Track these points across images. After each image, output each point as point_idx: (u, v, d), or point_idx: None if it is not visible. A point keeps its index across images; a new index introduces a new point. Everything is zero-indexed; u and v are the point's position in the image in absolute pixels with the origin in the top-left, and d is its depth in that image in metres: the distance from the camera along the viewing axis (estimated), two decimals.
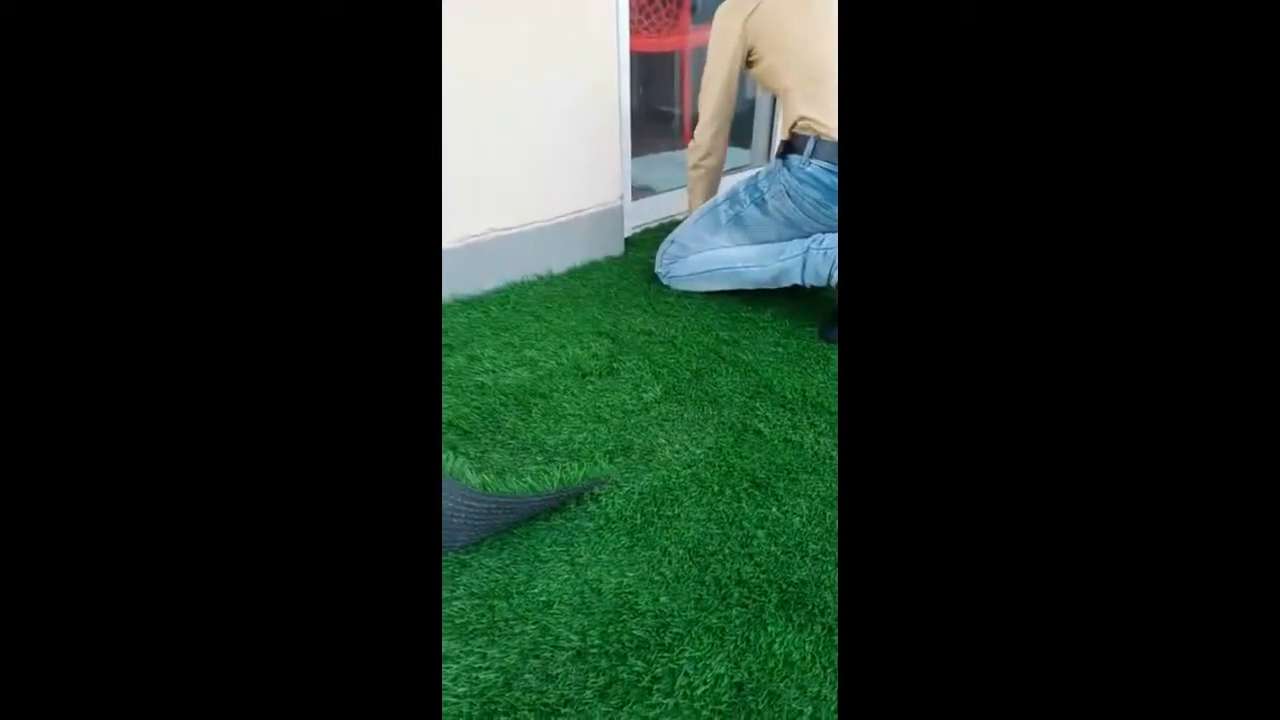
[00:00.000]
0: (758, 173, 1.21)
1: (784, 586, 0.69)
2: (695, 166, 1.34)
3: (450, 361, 1.06)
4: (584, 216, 1.41)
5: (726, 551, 0.73)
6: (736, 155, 1.55)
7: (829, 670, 0.60)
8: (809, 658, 0.61)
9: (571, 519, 0.77)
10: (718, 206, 1.22)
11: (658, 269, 1.31)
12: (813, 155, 1.10)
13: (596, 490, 0.80)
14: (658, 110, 2.13)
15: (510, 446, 0.88)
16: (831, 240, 1.12)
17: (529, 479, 0.78)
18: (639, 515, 0.78)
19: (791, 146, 1.14)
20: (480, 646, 0.62)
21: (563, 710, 0.57)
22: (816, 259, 1.12)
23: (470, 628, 0.64)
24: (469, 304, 1.24)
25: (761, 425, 0.93)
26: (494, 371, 1.04)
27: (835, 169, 1.08)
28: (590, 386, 1.01)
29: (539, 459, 0.86)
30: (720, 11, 1.19)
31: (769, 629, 0.64)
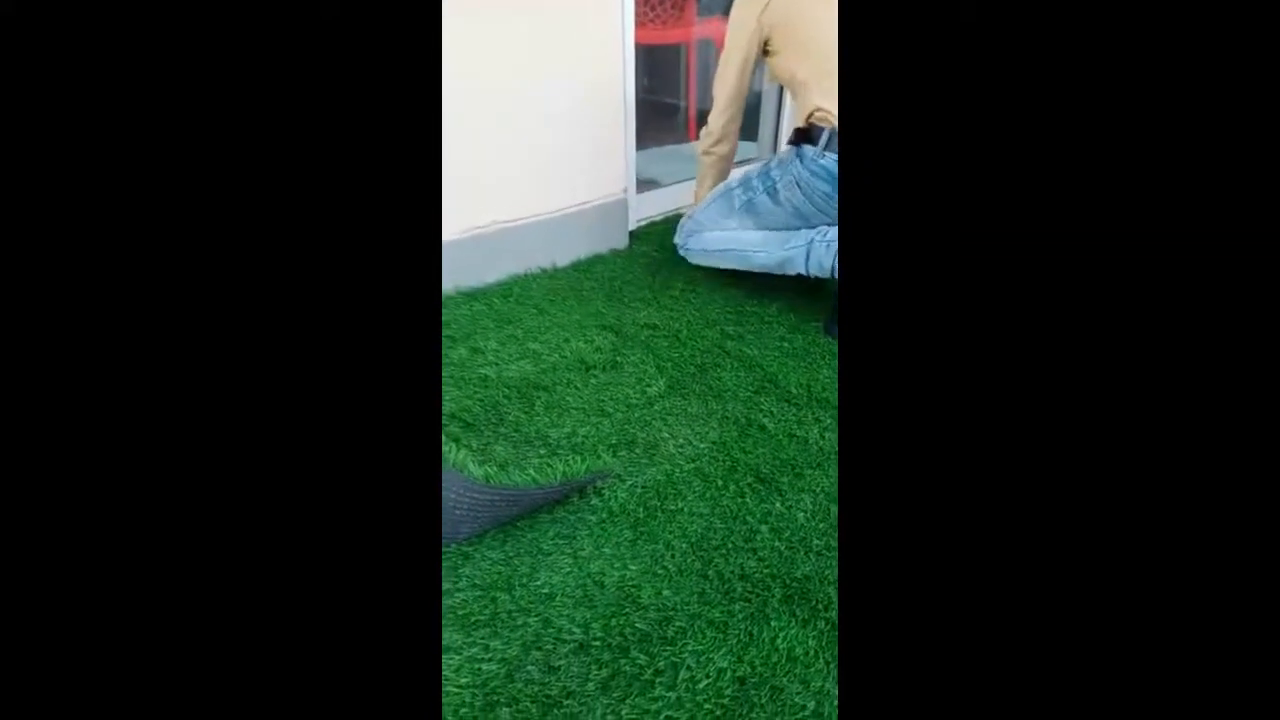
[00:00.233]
0: (770, 160, 1.22)
1: (787, 581, 0.68)
2: (706, 153, 1.34)
3: (453, 353, 1.06)
4: (588, 209, 1.40)
5: (730, 546, 0.73)
6: (743, 148, 1.55)
7: (832, 665, 0.60)
8: (812, 653, 0.61)
9: (574, 512, 0.77)
10: (732, 190, 1.23)
11: (675, 239, 1.32)
12: (826, 148, 1.11)
13: (599, 484, 0.80)
14: (663, 103, 2.12)
15: (513, 439, 0.88)
16: (835, 233, 1.12)
17: (532, 472, 0.78)
18: (642, 509, 0.77)
19: (806, 136, 1.14)
20: (483, 638, 0.62)
21: (565, 702, 0.57)
22: (820, 250, 1.12)
23: (473, 619, 0.64)
24: (472, 296, 1.24)
25: (766, 420, 0.93)
26: (497, 364, 1.04)
27: None
28: (594, 380, 1.01)
29: (542, 452, 0.86)
30: (738, 1, 1.19)
31: (772, 624, 0.64)
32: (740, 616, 0.65)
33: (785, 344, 1.12)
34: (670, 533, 0.74)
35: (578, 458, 0.83)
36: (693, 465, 0.84)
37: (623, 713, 0.56)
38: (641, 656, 0.61)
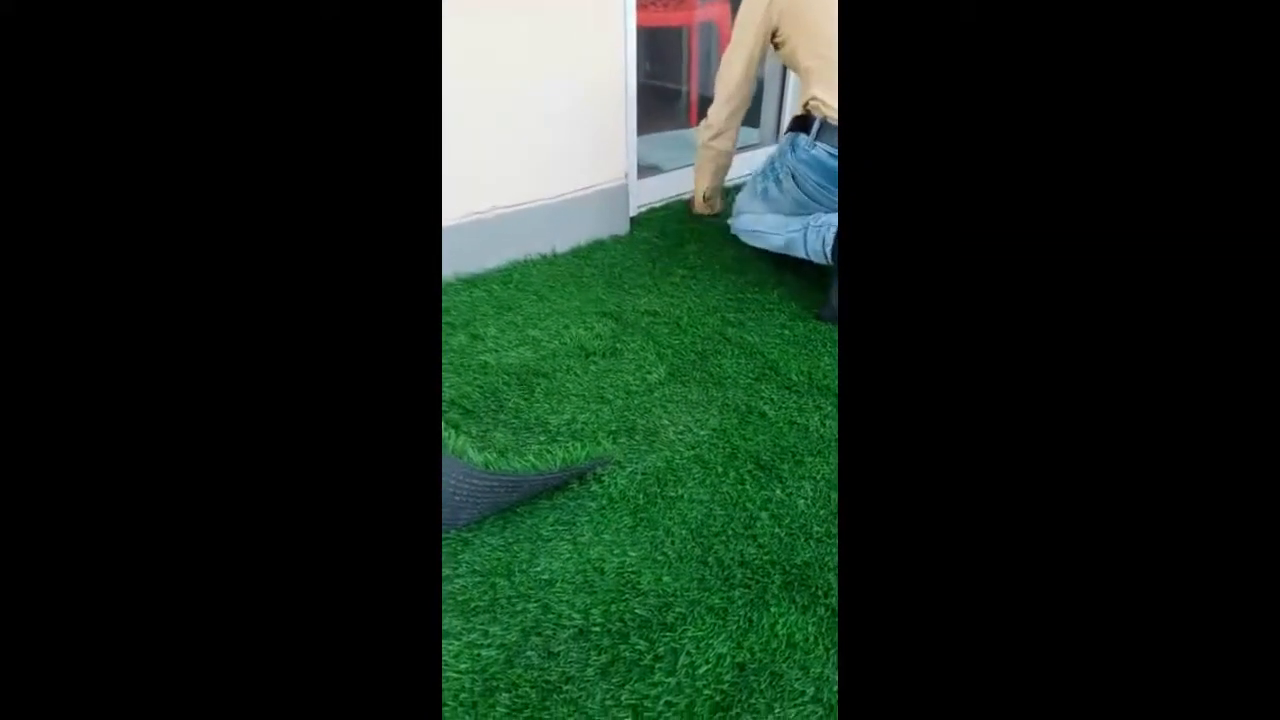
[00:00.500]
0: (773, 150, 1.25)
1: (787, 568, 0.68)
2: (705, 146, 1.35)
3: (453, 340, 1.05)
4: (589, 194, 1.39)
5: (730, 533, 0.73)
6: (745, 134, 1.54)
7: (831, 651, 0.60)
8: (812, 639, 0.61)
9: (574, 498, 0.77)
10: (755, 178, 1.28)
11: (730, 219, 1.35)
12: (817, 137, 1.13)
13: (599, 470, 0.80)
14: (664, 87, 2.10)
15: (513, 425, 0.88)
16: (827, 219, 1.14)
17: (531, 458, 0.78)
18: (642, 495, 0.77)
19: (803, 124, 1.16)
20: (482, 624, 0.62)
21: (564, 687, 0.57)
22: (811, 237, 1.14)
23: (472, 605, 0.64)
24: (471, 282, 1.23)
25: (767, 408, 0.93)
26: (497, 350, 1.03)
27: (835, 152, 1.11)
28: (594, 367, 1.00)
29: (542, 438, 0.85)
30: None
31: (772, 610, 0.64)
32: (740, 603, 0.65)
33: (786, 331, 1.11)
34: (670, 519, 0.74)
35: (578, 444, 0.82)
36: (693, 452, 0.84)
37: (622, 698, 0.56)
38: (641, 642, 0.61)
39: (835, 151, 1.11)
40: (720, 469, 0.81)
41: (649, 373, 0.99)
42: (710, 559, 0.70)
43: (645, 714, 0.55)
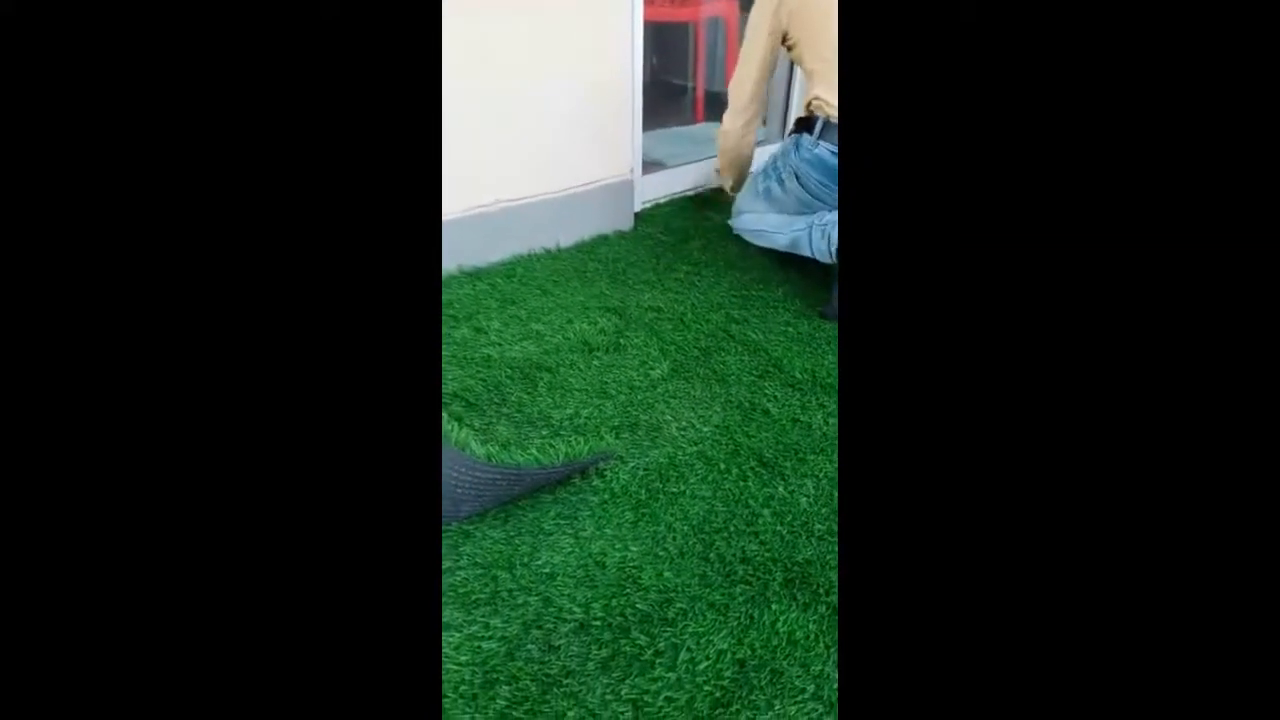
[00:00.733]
0: (776, 150, 1.25)
1: (789, 565, 0.68)
2: (723, 152, 1.37)
3: (456, 333, 1.05)
4: (593, 189, 1.39)
5: (732, 529, 0.73)
6: None
7: (832, 649, 0.60)
8: (812, 636, 0.61)
9: (576, 493, 0.77)
10: (755, 178, 1.29)
11: (730, 219, 1.36)
12: (820, 137, 1.14)
13: (602, 465, 0.80)
14: (670, 83, 2.09)
15: (516, 419, 0.88)
16: (830, 218, 1.14)
17: (534, 452, 0.77)
18: (644, 491, 0.77)
19: (806, 125, 1.17)
20: (483, 616, 0.62)
21: (564, 681, 0.57)
22: (815, 235, 1.15)
23: (473, 597, 0.64)
24: (475, 276, 1.23)
25: (770, 405, 0.92)
26: (500, 344, 1.03)
27: (837, 150, 1.12)
28: (597, 362, 1.00)
29: (544, 432, 0.85)
30: (758, 1, 1.21)
31: (773, 607, 0.64)
32: (741, 599, 0.65)
33: (790, 329, 1.11)
34: (672, 515, 0.74)
35: (580, 439, 0.82)
36: (695, 448, 0.84)
37: (622, 692, 0.56)
38: (642, 637, 0.61)
39: (836, 150, 1.12)
40: (723, 465, 0.81)
41: (652, 368, 0.99)
42: (712, 555, 0.69)
43: (645, 709, 0.55)
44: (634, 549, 0.70)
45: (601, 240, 1.40)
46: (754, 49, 1.22)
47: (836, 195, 1.16)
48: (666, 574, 0.67)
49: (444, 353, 1.00)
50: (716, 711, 0.55)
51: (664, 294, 1.20)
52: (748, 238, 1.31)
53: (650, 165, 1.59)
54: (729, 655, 0.60)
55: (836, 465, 0.82)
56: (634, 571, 0.67)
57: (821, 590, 0.66)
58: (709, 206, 1.57)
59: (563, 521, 0.73)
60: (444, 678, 0.57)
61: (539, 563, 0.68)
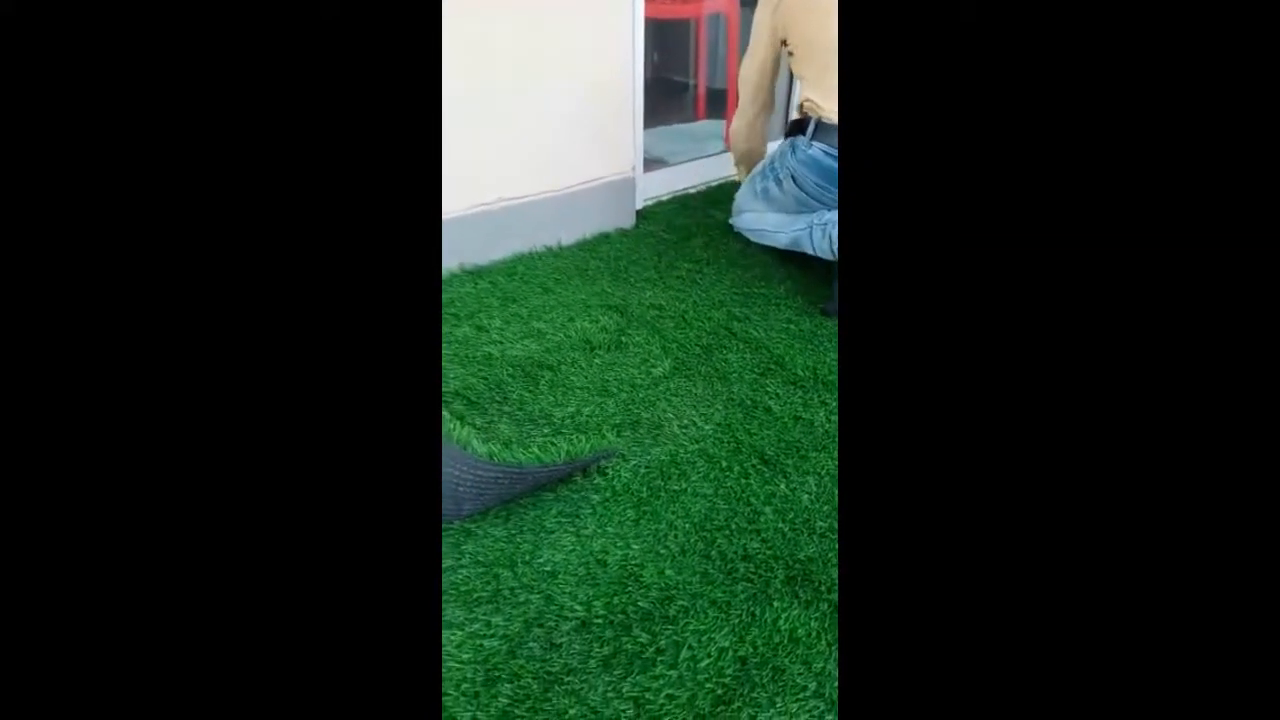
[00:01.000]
0: (773, 151, 1.27)
1: (790, 563, 0.68)
2: (733, 149, 1.40)
3: (457, 331, 1.05)
4: (595, 187, 1.38)
5: (733, 527, 0.72)
6: None
7: (834, 647, 0.60)
8: (814, 634, 0.61)
9: (578, 491, 0.77)
10: (754, 178, 1.30)
11: (731, 218, 1.38)
12: (813, 138, 1.15)
13: (603, 463, 0.80)
14: (672, 80, 2.08)
15: (517, 418, 0.88)
16: (831, 217, 1.15)
17: (535, 450, 0.78)
18: (645, 489, 0.77)
19: (800, 127, 1.19)
20: (485, 614, 0.62)
21: (566, 679, 0.57)
22: (817, 235, 1.16)
23: (475, 595, 0.64)
24: (476, 274, 1.23)
25: (772, 402, 0.92)
26: (501, 343, 1.03)
27: (833, 150, 1.14)
28: (598, 360, 1.00)
29: (546, 431, 0.85)
30: (760, 3, 1.23)
31: (774, 604, 0.64)
32: (743, 597, 0.65)
33: (792, 326, 1.11)
34: (673, 513, 0.74)
35: (582, 437, 0.82)
36: (697, 446, 0.84)
37: (624, 690, 0.56)
38: (643, 635, 0.61)
39: (831, 150, 1.14)
40: (724, 463, 0.81)
41: (654, 366, 0.99)
42: (713, 553, 0.69)
43: (647, 706, 0.55)
44: (635, 547, 0.70)
45: (603, 238, 1.40)
46: (756, 48, 1.25)
47: (833, 196, 1.17)
48: (668, 572, 0.67)
49: (446, 351, 1.00)
50: (718, 709, 0.55)
51: (666, 292, 1.20)
52: (749, 236, 1.32)
53: (652, 163, 1.58)
54: (731, 653, 0.60)
55: (837, 462, 0.82)
56: (635, 569, 0.67)
57: (823, 588, 0.66)
58: (711, 204, 1.57)
59: (564, 519, 0.73)
60: (446, 675, 0.57)
61: (541, 561, 0.68)
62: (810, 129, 1.15)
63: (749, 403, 0.92)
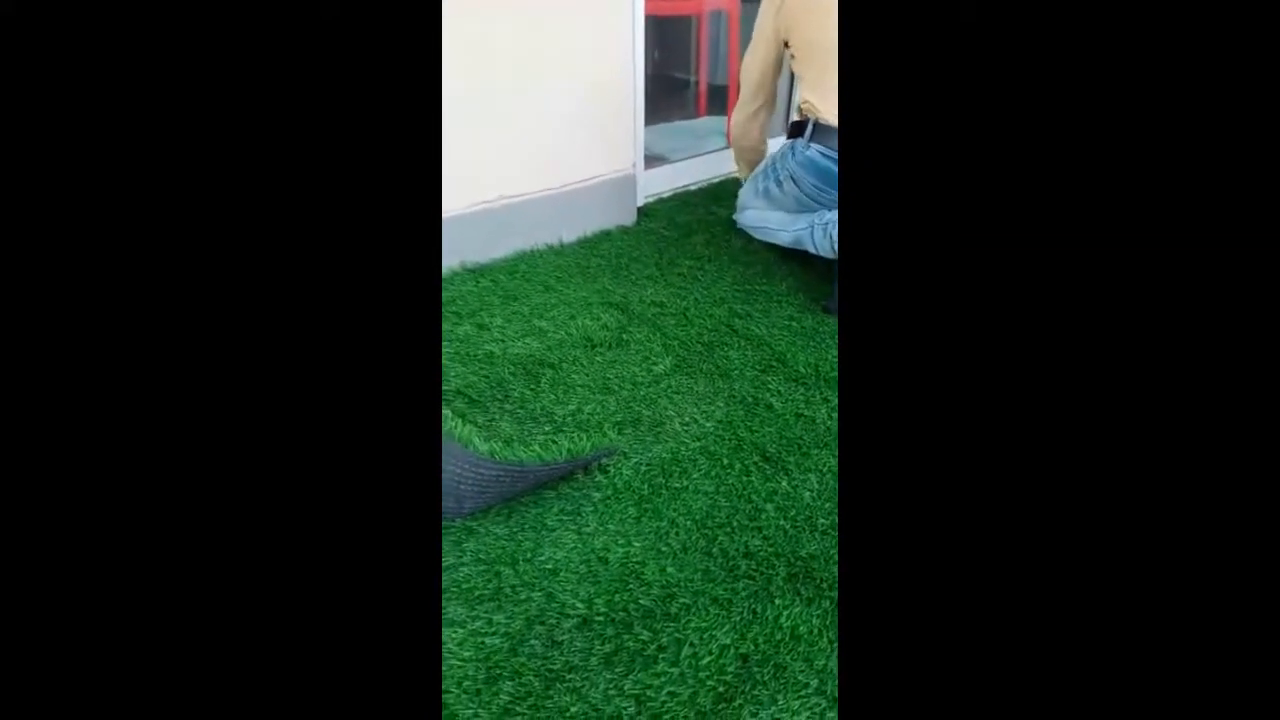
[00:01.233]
0: (775, 152, 1.27)
1: (792, 560, 0.68)
2: (733, 143, 1.41)
3: (459, 329, 1.05)
4: (596, 185, 1.38)
5: (735, 524, 0.72)
6: None
7: (835, 644, 0.60)
8: (816, 631, 0.61)
9: (579, 488, 0.77)
10: (756, 177, 1.31)
11: (734, 214, 1.40)
12: (812, 139, 1.16)
13: (605, 461, 0.80)
14: (673, 77, 2.08)
15: (519, 416, 0.88)
16: (832, 216, 1.16)
17: (537, 448, 0.78)
18: (647, 486, 0.77)
19: (799, 129, 1.20)
20: (486, 612, 0.63)
21: (567, 676, 0.57)
22: (818, 234, 1.16)
23: (476, 593, 0.64)
24: (477, 272, 1.23)
25: (773, 399, 0.92)
26: (503, 341, 1.03)
27: (831, 152, 1.14)
28: (599, 358, 1.00)
29: (547, 429, 0.85)
30: (763, 2, 1.24)
31: (776, 602, 0.64)
32: (744, 594, 0.65)
33: (794, 323, 1.11)
34: (675, 510, 0.74)
35: (583, 435, 0.82)
36: (698, 443, 0.84)
37: (625, 688, 0.56)
38: (645, 632, 0.61)
39: (829, 152, 1.15)
40: (726, 461, 0.81)
41: (655, 364, 0.99)
42: (715, 550, 0.69)
43: (648, 704, 0.55)
44: (637, 544, 0.70)
45: (604, 236, 1.40)
46: (758, 45, 1.25)
47: (831, 197, 1.18)
48: (669, 569, 0.67)
49: (447, 349, 1.00)
50: (719, 706, 0.55)
51: (667, 289, 1.20)
52: (752, 233, 1.32)
53: (653, 160, 1.58)
54: (732, 650, 0.60)
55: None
56: (637, 567, 0.67)
57: (825, 585, 0.65)
58: (713, 200, 1.57)
59: (565, 517, 0.73)
60: (448, 673, 0.57)
61: (542, 558, 0.68)
62: (809, 130, 1.16)
63: (750, 400, 0.92)
